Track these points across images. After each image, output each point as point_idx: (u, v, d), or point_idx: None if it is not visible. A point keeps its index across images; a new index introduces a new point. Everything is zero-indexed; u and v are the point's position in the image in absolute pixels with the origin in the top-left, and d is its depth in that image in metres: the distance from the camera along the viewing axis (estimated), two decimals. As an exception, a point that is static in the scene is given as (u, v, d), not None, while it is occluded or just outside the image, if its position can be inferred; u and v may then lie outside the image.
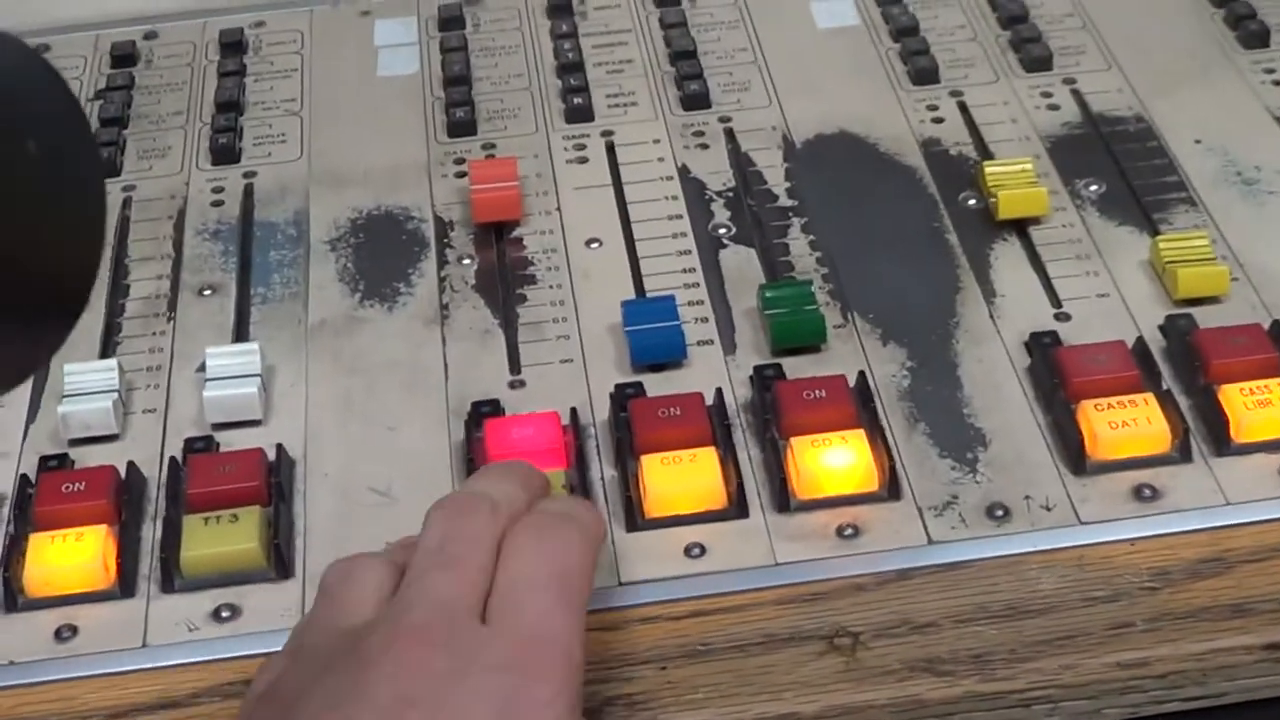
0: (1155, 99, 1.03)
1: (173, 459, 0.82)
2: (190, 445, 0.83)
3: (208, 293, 0.93)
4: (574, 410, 0.83)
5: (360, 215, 0.98)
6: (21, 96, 0.54)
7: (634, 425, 0.81)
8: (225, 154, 1.02)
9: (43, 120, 0.55)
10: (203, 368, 0.86)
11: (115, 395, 0.84)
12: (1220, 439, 0.81)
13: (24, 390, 0.86)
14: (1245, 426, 0.80)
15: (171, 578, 0.77)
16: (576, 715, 0.64)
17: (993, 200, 0.94)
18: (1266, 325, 0.85)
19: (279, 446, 0.82)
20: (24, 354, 0.56)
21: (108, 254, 0.95)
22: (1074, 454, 0.80)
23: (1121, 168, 0.98)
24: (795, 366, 0.86)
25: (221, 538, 0.77)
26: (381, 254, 0.95)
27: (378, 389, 0.86)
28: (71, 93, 0.57)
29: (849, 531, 0.78)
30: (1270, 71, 1.05)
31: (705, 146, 1.01)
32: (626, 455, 0.80)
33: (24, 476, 0.81)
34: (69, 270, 0.56)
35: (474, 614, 0.65)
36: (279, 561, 0.77)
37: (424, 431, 0.84)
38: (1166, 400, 0.81)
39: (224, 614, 0.76)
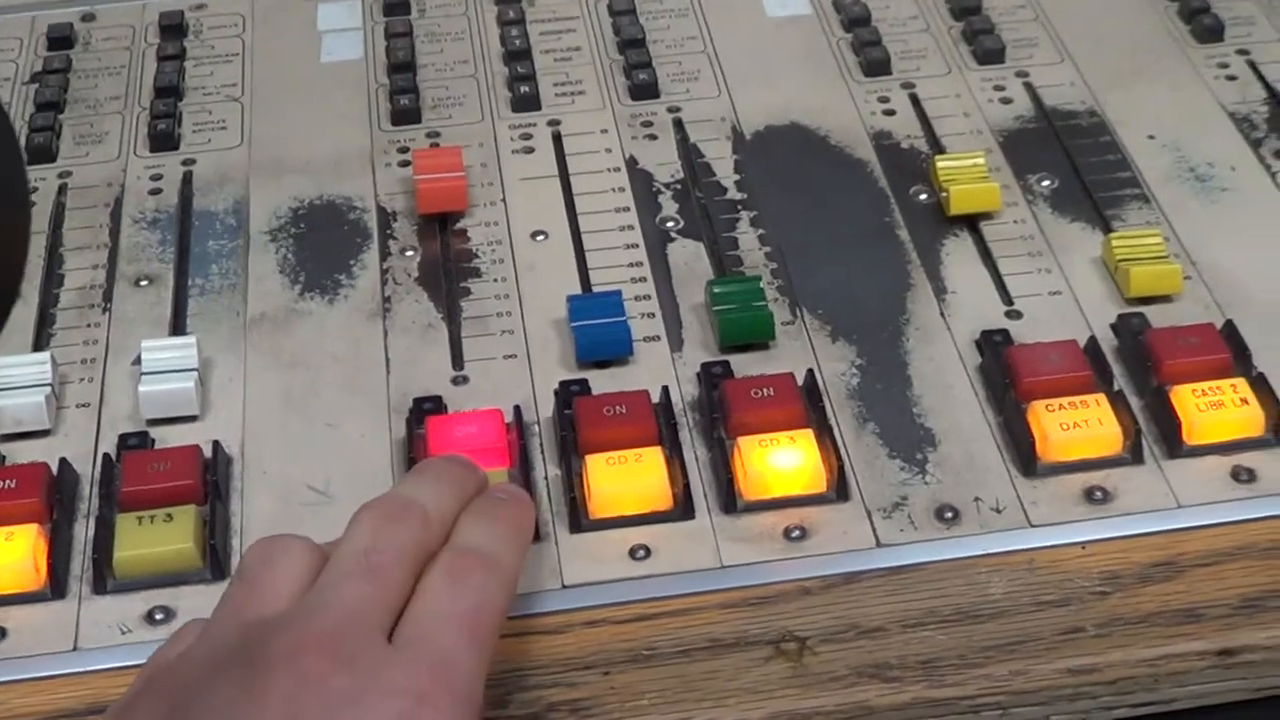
0: (1109, 93, 1.02)
1: (106, 456, 0.80)
2: (124, 441, 0.81)
3: (144, 283, 0.91)
4: (517, 408, 0.82)
5: (302, 205, 0.96)
6: None
7: (578, 424, 0.80)
8: (164, 140, 1.00)
9: None
10: (138, 361, 0.84)
11: (48, 389, 0.82)
12: (1172, 441, 0.80)
13: (-46, 383, 0.84)
14: (1197, 428, 0.80)
15: (104, 579, 0.75)
16: None
17: (944, 195, 0.92)
18: (1219, 325, 0.84)
19: (215, 443, 0.80)
20: None
21: (41, 243, 0.93)
22: (1025, 455, 0.79)
23: (1074, 163, 0.97)
24: (743, 364, 0.84)
25: (155, 538, 0.75)
26: (323, 245, 0.93)
27: (318, 384, 0.85)
28: None
29: (796, 533, 0.77)
30: (1224, 66, 1.04)
31: (654, 137, 1.00)
32: (571, 454, 0.79)
33: (-48, 473, 0.79)
34: None
35: (383, 631, 0.64)
36: (214, 562, 0.75)
37: (365, 428, 0.82)
38: (1118, 401, 0.80)
39: (158, 616, 0.74)
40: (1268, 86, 1.02)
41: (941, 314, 0.87)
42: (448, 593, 0.66)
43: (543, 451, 0.81)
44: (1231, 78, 1.03)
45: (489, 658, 0.65)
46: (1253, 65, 1.04)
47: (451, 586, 0.66)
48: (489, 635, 0.66)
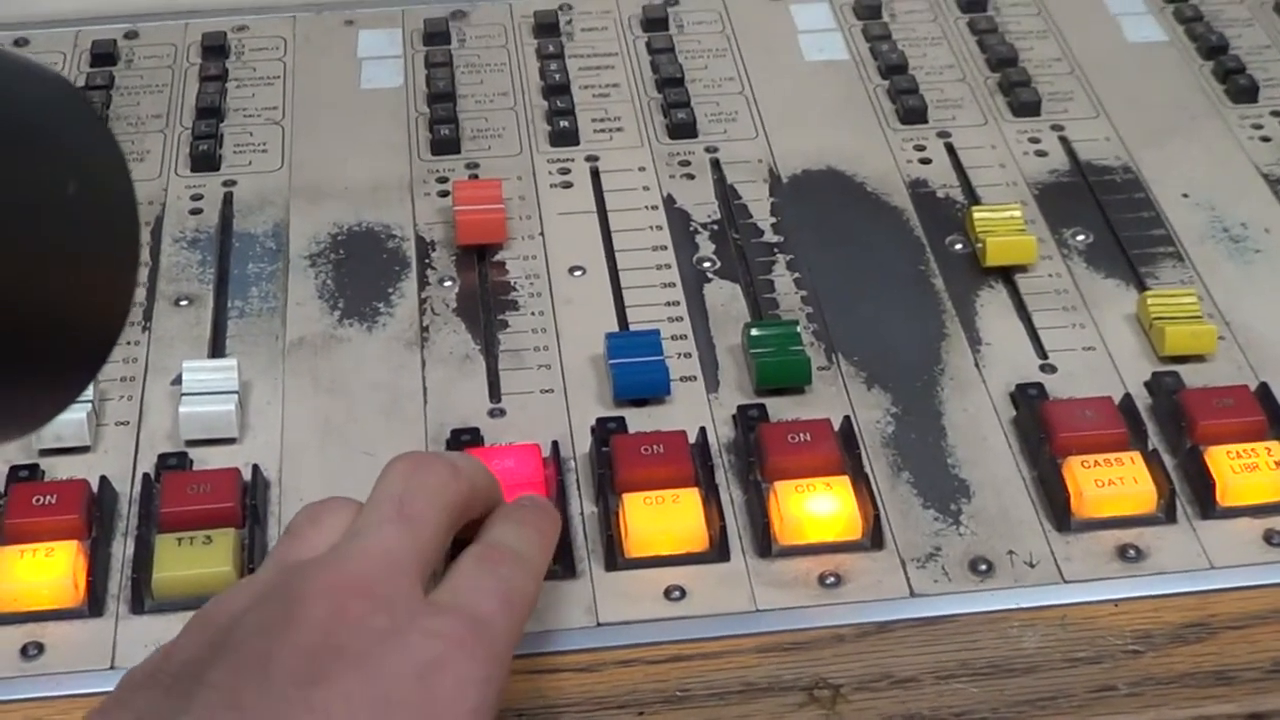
0: (1143, 150, 1.02)
1: (146, 475, 0.80)
2: (164, 461, 0.81)
3: (184, 303, 0.91)
4: (555, 443, 0.82)
5: (341, 230, 0.96)
6: (64, 136, 0.52)
7: (616, 462, 0.80)
8: (205, 161, 1.01)
9: (83, 160, 0.53)
10: (178, 381, 0.85)
11: (89, 406, 0.83)
12: (1206, 501, 0.80)
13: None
14: (1231, 490, 0.80)
15: (142, 598, 0.75)
16: (492, 713, 0.63)
17: (980, 246, 0.93)
18: (1253, 386, 0.85)
19: (254, 467, 0.81)
20: (38, 405, 0.54)
21: (83, 259, 0.93)
22: (1059, 510, 0.79)
23: (1109, 219, 0.97)
24: (779, 407, 0.85)
25: (194, 560, 0.75)
26: (362, 272, 0.93)
27: (356, 411, 0.85)
28: (109, 131, 0.55)
29: (831, 580, 0.77)
30: (1258, 127, 1.04)
31: (691, 177, 1.00)
32: (608, 492, 0.79)
33: (-8, 486, 0.80)
34: (97, 317, 0.54)
35: (420, 578, 0.65)
36: (252, 587, 0.76)
37: (402, 457, 0.82)
38: (1153, 460, 0.81)
39: (195, 639, 0.74)
40: (1302, 149, 1.03)
41: (976, 365, 0.88)
42: (480, 574, 0.67)
43: (579, 488, 0.81)
44: (1266, 139, 1.04)
45: (518, 638, 0.66)
46: (1287, 127, 1.05)
47: (483, 571, 0.67)
48: (522, 614, 0.66)
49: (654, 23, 1.13)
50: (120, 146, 0.55)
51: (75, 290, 0.52)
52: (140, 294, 0.91)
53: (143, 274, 0.93)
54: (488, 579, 0.66)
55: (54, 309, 0.51)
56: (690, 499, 0.78)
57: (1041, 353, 0.88)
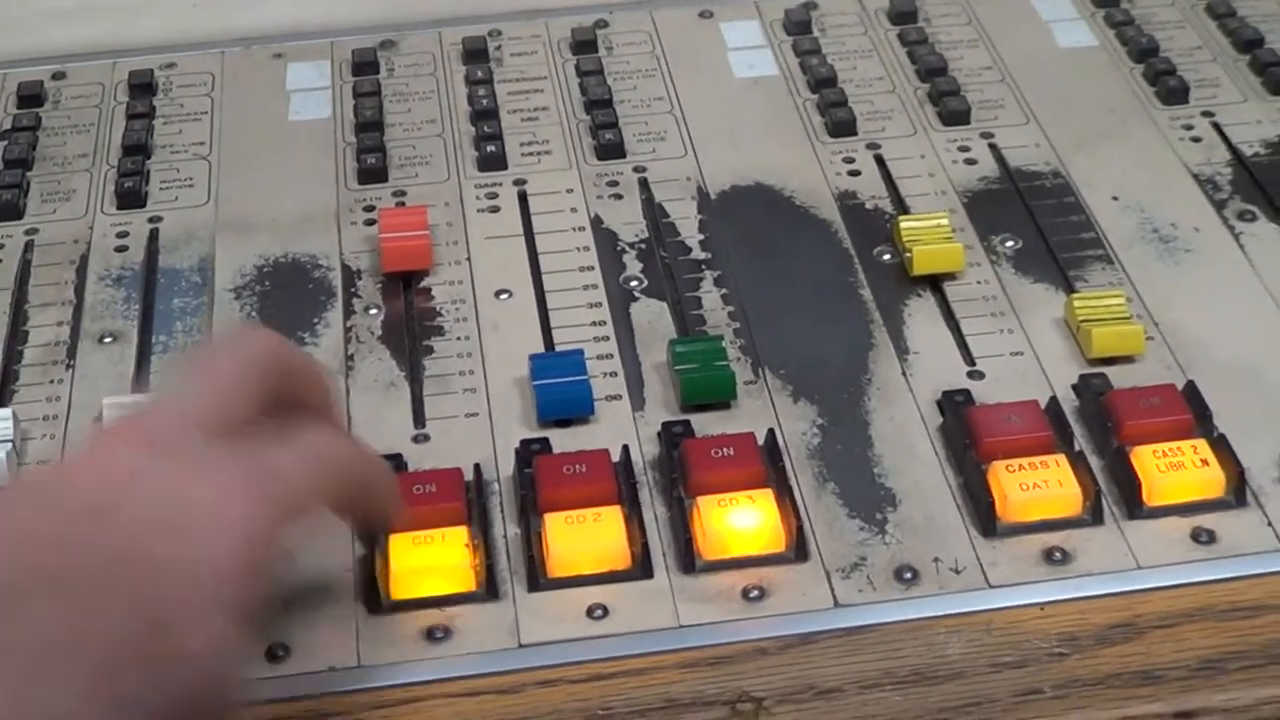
0: (1073, 154, 1.02)
1: (64, 513, 0.79)
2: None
3: (108, 340, 0.91)
4: (477, 466, 0.81)
5: (267, 263, 0.96)
6: None
7: (538, 482, 0.79)
8: (131, 198, 1.00)
9: None
10: (99, 417, 0.84)
11: (9, 445, 0.82)
12: (1132, 501, 0.80)
13: (-86, 439, 0.84)
14: (1157, 489, 0.80)
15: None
16: (256, 574, 0.63)
17: (908, 255, 0.93)
18: (1181, 385, 0.84)
19: (175, 502, 0.80)
20: None
21: (6, 299, 0.93)
22: (984, 515, 0.79)
23: (1038, 224, 0.97)
24: (704, 423, 0.84)
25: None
26: (287, 303, 0.93)
27: (279, 442, 0.84)
28: None
29: (755, 593, 0.76)
30: (1189, 128, 1.04)
31: (619, 197, 1.00)
32: (530, 513, 0.79)
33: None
34: None
35: (211, 430, 0.64)
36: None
37: (325, 486, 0.82)
38: (1079, 462, 0.80)
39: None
40: (1232, 148, 1.02)
41: (903, 374, 0.87)
42: (277, 440, 0.66)
43: (503, 511, 0.80)
44: (1196, 139, 1.03)
45: (300, 505, 0.66)
46: (1217, 127, 1.04)
47: (280, 439, 0.66)
48: (325, 481, 0.67)
49: (583, 45, 1.13)
50: None
51: None
52: (64, 332, 0.91)
53: (66, 312, 0.92)
54: (283, 445, 0.66)
55: None
56: (612, 517, 0.78)
57: (969, 359, 0.88)
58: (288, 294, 0.94)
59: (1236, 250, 0.95)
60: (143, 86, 1.10)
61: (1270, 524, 0.79)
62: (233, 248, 0.97)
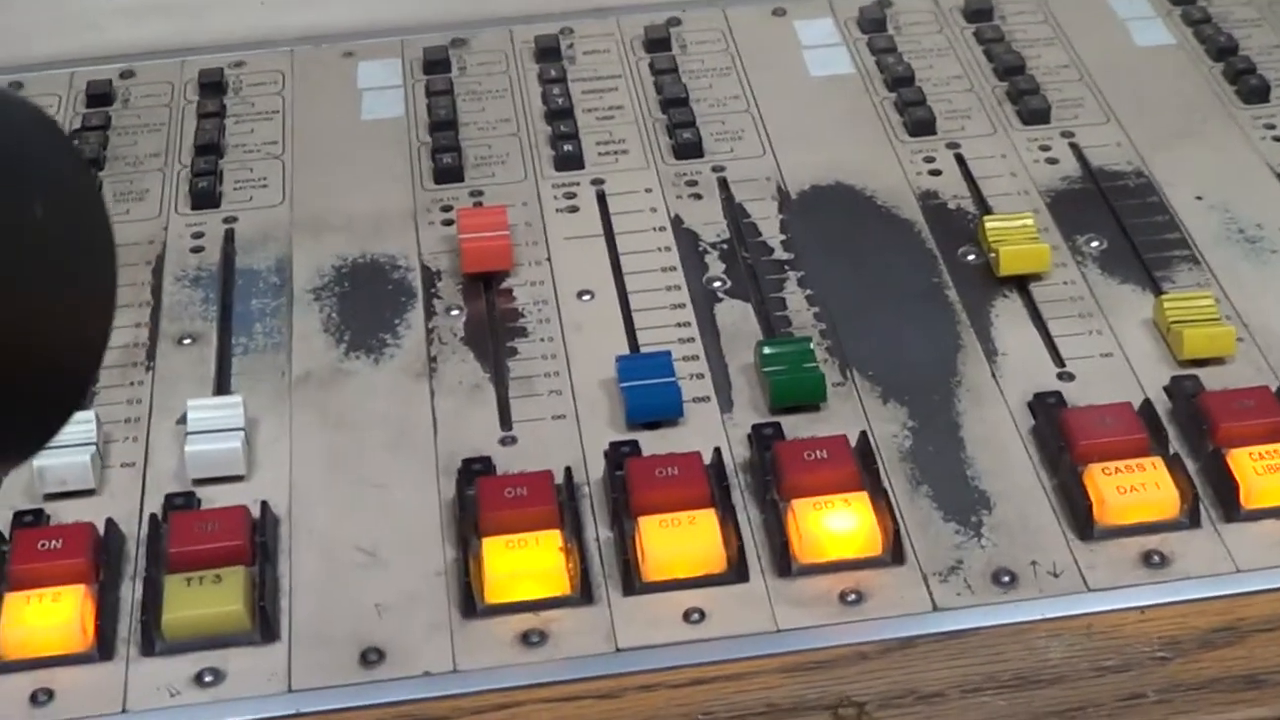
0: (1155, 154, 1.01)
1: (153, 516, 0.79)
2: (171, 502, 0.80)
3: (187, 341, 0.90)
4: (568, 469, 0.81)
5: (344, 263, 0.95)
6: (30, 159, 0.51)
7: (630, 485, 0.79)
8: (205, 198, 1.00)
9: (51, 182, 0.51)
10: (183, 420, 0.84)
11: (93, 448, 0.82)
12: (1229, 504, 0.79)
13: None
14: (1255, 492, 0.79)
15: (152, 640, 0.74)
16: None
17: (993, 256, 0.92)
18: (1274, 387, 0.83)
19: (263, 503, 0.80)
20: (9, 444, 0.52)
21: (85, 300, 0.92)
22: (1081, 519, 0.78)
23: (1122, 224, 0.96)
24: (794, 425, 0.83)
25: (204, 599, 0.74)
26: (367, 304, 0.92)
27: (364, 444, 0.84)
28: (80, 154, 0.53)
29: (852, 597, 0.76)
30: (1270, 127, 1.03)
31: (698, 196, 0.99)
32: (623, 516, 0.78)
33: (-2, 533, 0.79)
34: (71, 350, 0.52)
35: None
36: (264, 623, 0.74)
37: (413, 489, 0.81)
38: (1174, 464, 0.80)
39: (207, 678, 0.73)
40: (1315, 147, 1.01)
41: (993, 375, 0.86)
42: None
43: (594, 513, 0.80)
44: (1278, 139, 1.02)
45: None
46: (1300, 126, 1.03)
47: None
48: None
49: (656, 43, 1.12)
50: (92, 174, 0.53)
51: (44, 319, 0.51)
52: (143, 334, 0.90)
53: (144, 313, 0.92)
54: None
55: (21, 337, 0.49)
56: (707, 520, 0.77)
57: (1059, 361, 0.87)
58: (367, 295, 0.93)
59: (1324, 250, 0.94)
60: (213, 85, 1.10)
61: (1371, 527, 0.78)
62: (309, 248, 0.96)
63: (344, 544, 0.79)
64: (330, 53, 1.13)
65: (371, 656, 0.74)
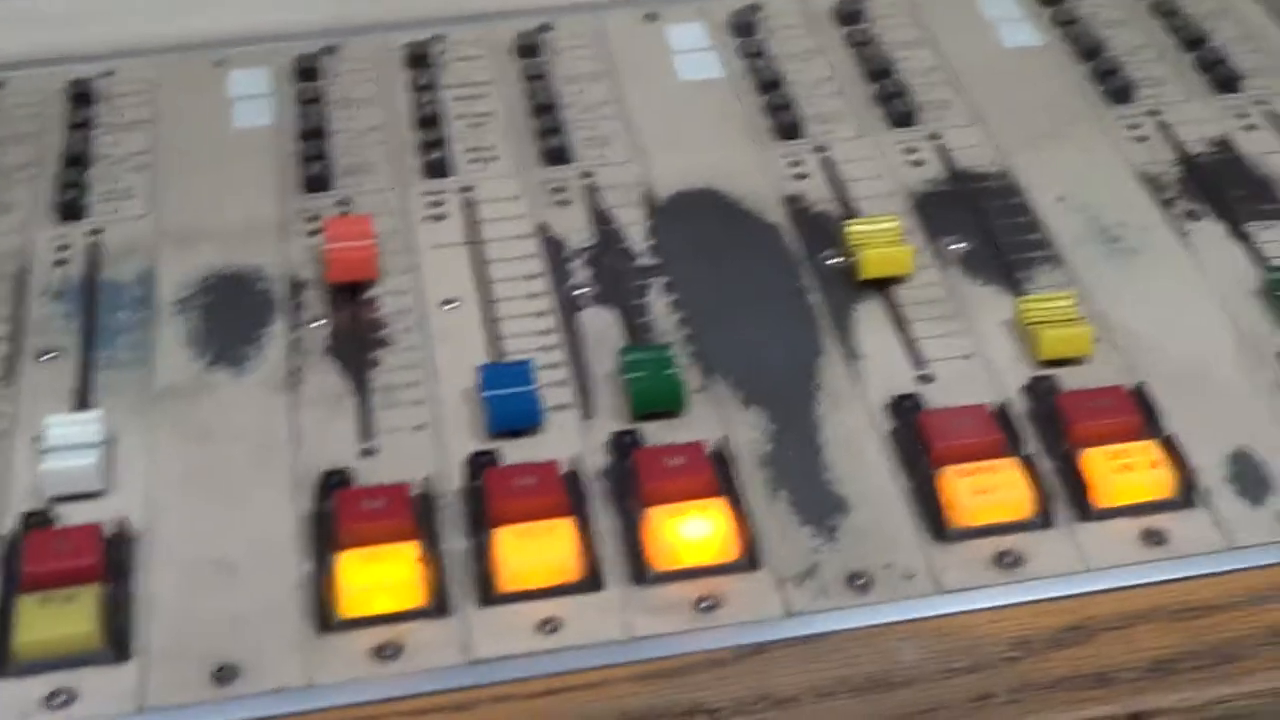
0: (1020, 155, 1.02)
1: (9, 536, 0.78)
2: (28, 520, 0.80)
3: (49, 356, 0.90)
4: (426, 480, 0.81)
5: (211, 274, 0.95)
6: None
7: (488, 495, 0.79)
8: (70, 210, 0.99)
9: None
10: (39, 437, 0.83)
11: (-49, 466, 0.81)
12: (1082, 504, 0.80)
13: None
14: (1107, 491, 0.80)
15: (4, 662, 0.74)
16: None
17: (856, 259, 0.92)
18: (1130, 387, 0.84)
19: (120, 520, 0.79)
20: None
21: (-54, 316, 0.92)
22: (935, 520, 0.79)
23: (986, 225, 0.97)
24: (655, 432, 0.84)
25: (56, 619, 0.73)
26: (232, 316, 0.92)
27: (225, 458, 0.84)
28: None
29: (707, 604, 0.76)
30: (1135, 128, 1.04)
31: (566, 203, 0.99)
32: (480, 526, 0.78)
33: None
34: None
35: None
36: (116, 642, 0.74)
37: (272, 503, 0.81)
38: (1029, 465, 0.80)
39: (58, 699, 0.72)
40: (1178, 147, 1.02)
41: (853, 379, 0.87)
42: None
43: (453, 524, 0.80)
44: (1142, 139, 1.03)
45: None
46: (1163, 126, 1.04)
47: None
48: None
49: (527, 49, 1.12)
50: None
51: None
52: (3, 348, 0.90)
53: (6, 329, 0.91)
54: None
55: None
56: (563, 529, 0.77)
57: (919, 363, 0.88)
58: (232, 306, 0.92)
59: (1183, 250, 0.95)
60: (82, 95, 1.09)
61: (1219, 524, 0.79)
62: (175, 260, 0.96)
63: (201, 560, 0.79)
64: (200, 61, 1.13)
65: (225, 673, 0.73)
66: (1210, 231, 0.96)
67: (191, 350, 0.90)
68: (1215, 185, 0.99)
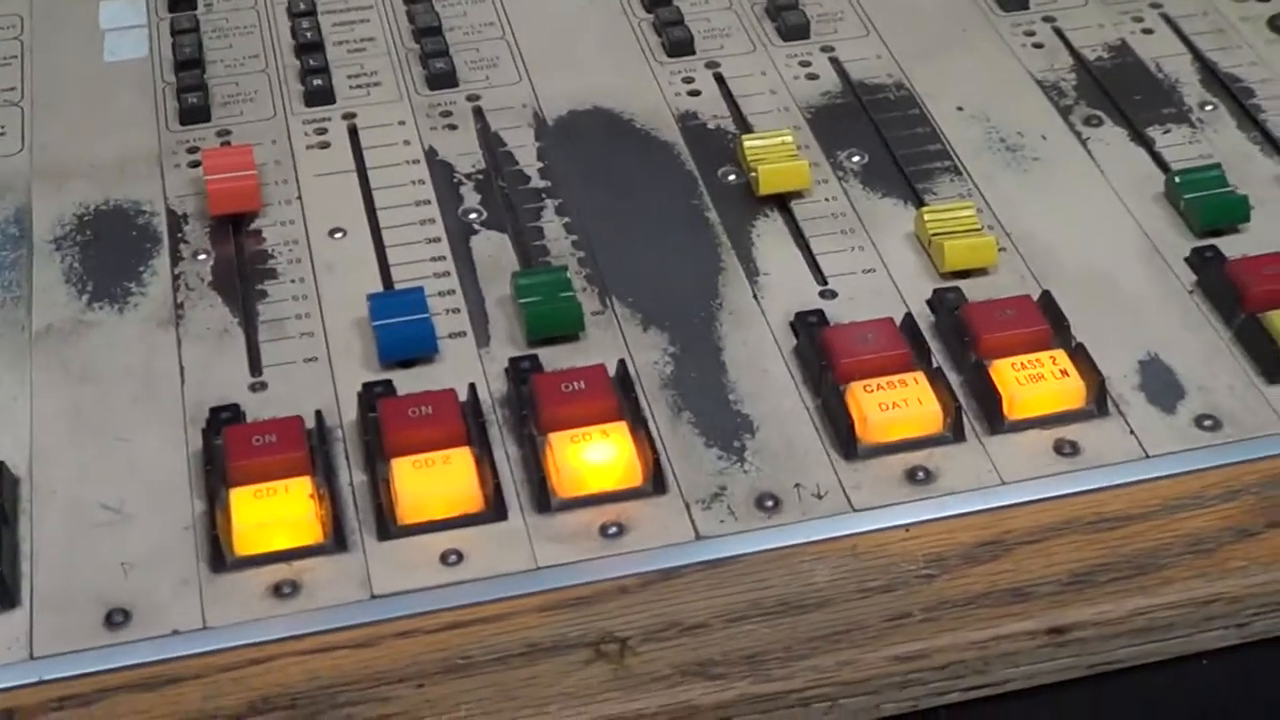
0: (916, 65, 1.00)
1: (-115, 484, 0.76)
2: (-96, 468, 0.77)
3: (-77, 299, 0.86)
4: (319, 413, 0.78)
5: (88, 211, 0.92)
6: None
7: (383, 427, 0.76)
8: (-60, 149, 0.96)
9: None
10: (-85, 380, 0.80)
11: None
12: (993, 416, 0.78)
13: None
14: (1018, 402, 0.78)
15: (-119, 611, 0.71)
16: None
17: (753, 175, 0.90)
18: (1036, 296, 0.83)
19: (0, 464, 0.76)
20: None
21: None
22: (844, 438, 0.77)
23: (884, 137, 0.95)
24: (553, 357, 0.82)
25: (-64, 567, 0.71)
26: (111, 252, 0.89)
27: (109, 398, 0.81)
28: None
29: (613, 530, 0.74)
30: (1030, 34, 1.02)
31: (453, 127, 0.96)
32: (376, 459, 0.76)
33: None
34: None
35: None
36: (3, 590, 0.71)
37: (160, 442, 0.78)
38: (937, 378, 0.79)
39: (-58, 650, 0.70)
40: (1075, 53, 1.01)
41: (755, 296, 0.85)
42: None
43: (348, 457, 0.77)
44: (1038, 45, 1.02)
45: None
46: (1059, 32, 1.03)
47: None
48: None
49: (408, -28, 1.09)
50: None
51: None
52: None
53: (-125, 272, 0.88)
54: None
55: None
56: (462, 459, 0.75)
57: (821, 279, 0.86)
58: (111, 243, 0.89)
59: (1084, 156, 0.93)
60: (-52, 32, 1.05)
61: (1133, 432, 0.78)
62: (50, 197, 0.92)
63: (88, 502, 0.76)
64: (71, -6, 1.09)
65: (117, 617, 0.71)
66: (1111, 137, 0.94)
67: (70, 289, 0.87)
68: (1114, 90, 0.98)
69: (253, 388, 0.81)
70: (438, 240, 0.89)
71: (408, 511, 0.74)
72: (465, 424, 0.77)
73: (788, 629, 0.71)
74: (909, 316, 0.82)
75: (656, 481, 0.75)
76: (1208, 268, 0.85)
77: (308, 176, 0.93)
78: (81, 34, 1.06)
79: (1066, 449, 0.77)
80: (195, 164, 0.94)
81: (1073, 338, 0.81)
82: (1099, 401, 0.79)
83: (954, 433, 0.78)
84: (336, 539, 0.73)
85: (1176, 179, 0.89)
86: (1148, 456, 0.77)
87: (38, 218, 0.91)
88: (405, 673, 0.69)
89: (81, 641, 0.70)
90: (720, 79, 1.00)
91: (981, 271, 0.86)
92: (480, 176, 0.93)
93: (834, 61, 1.01)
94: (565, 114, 0.97)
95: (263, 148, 0.95)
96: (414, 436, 0.76)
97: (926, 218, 0.87)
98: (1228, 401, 0.79)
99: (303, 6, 1.06)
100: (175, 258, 0.88)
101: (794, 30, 1.03)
